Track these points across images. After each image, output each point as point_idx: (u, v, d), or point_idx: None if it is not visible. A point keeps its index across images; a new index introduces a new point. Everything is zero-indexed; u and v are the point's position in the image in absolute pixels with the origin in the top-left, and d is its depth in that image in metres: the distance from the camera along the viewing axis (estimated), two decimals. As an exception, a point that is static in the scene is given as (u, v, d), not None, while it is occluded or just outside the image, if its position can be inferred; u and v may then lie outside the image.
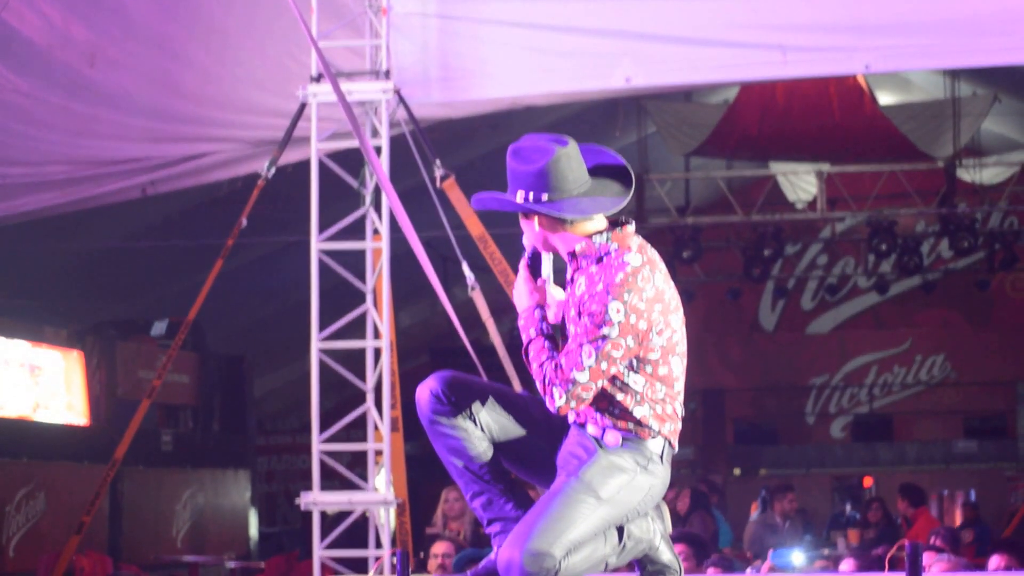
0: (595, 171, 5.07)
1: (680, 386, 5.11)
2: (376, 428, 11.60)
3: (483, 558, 5.32)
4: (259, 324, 20.86)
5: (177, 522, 17.35)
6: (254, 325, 20.83)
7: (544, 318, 5.09)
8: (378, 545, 11.65)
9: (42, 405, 15.88)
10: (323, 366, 11.43)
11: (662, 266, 5.05)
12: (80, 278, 17.57)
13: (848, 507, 19.71)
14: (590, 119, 18.86)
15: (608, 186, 5.06)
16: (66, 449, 15.74)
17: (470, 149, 17.31)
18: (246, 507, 18.78)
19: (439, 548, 10.48)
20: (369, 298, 11.59)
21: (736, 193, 21.53)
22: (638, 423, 5.04)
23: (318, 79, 11.26)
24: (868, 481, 23.19)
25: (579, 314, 4.96)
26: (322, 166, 11.45)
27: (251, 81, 12.16)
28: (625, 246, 5.00)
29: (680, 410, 5.12)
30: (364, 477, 11.92)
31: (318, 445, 11.42)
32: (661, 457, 5.08)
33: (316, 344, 11.36)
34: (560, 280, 5.17)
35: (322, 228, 11.42)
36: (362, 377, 11.60)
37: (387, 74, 11.39)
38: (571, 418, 5.12)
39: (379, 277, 11.54)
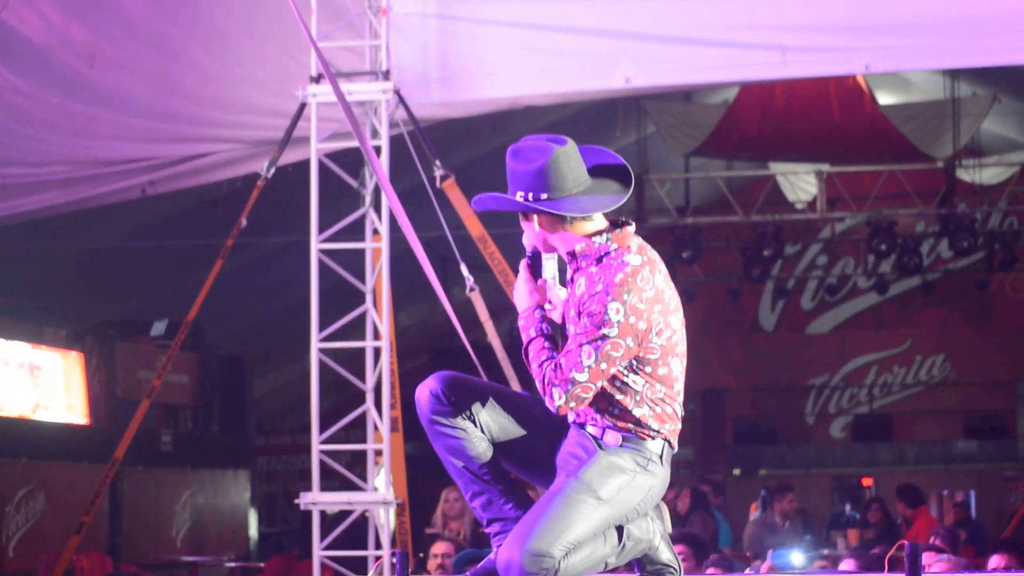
0: (594, 171, 5.07)
1: (680, 386, 5.11)
2: (376, 428, 11.60)
3: (483, 558, 5.32)
4: (259, 324, 20.86)
5: (177, 522, 17.35)
6: (254, 325, 20.83)
7: (544, 318, 5.09)
8: (378, 545, 11.65)
9: (42, 405, 15.88)
10: (323, 366, 11.43)
11: (662, 267, 5.05)
12: (80, 278, 17.57)
13: (848, 507, 19.73)
14: (590, 119, 18.86)
15: (607, 185, 5.06)
16: (66, 449, 15.74)
17: (470, 149, 17.32)
18: (246, 507, 18.78)
19: (439, 548, 10.48)
20: (369, 298, 11.59)
21: (736, 193, 21.54)
22: (638, 423, 5.04)
23: (318, 79, 11.26)
24: (868, 481, 23.19)
25: (579, 314, 4.96)
26: (322, 166, 11.45)
27: (251, 81, 12.16)
28: (625, 246, 5.00)
29: (680, 410, 5.12)
30: (364, 477, 11.92)
31: (318, 445, 11.42)
32: (661, 457, 5.08)
33: (316, 344, 11.36)
34: (564, 281, 5.16)
35: (322, 228, 11.42)
36: (362, 377, 11.60)
37: (387, 74, 11.39)
38: (571, 418, 5.13)
39: (379, 277, 11.55)
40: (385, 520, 11.62)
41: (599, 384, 4.95)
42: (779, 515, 15.87)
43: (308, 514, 11.59)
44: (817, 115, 18.56)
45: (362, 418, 11.62)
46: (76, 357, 16.39)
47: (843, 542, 15.32)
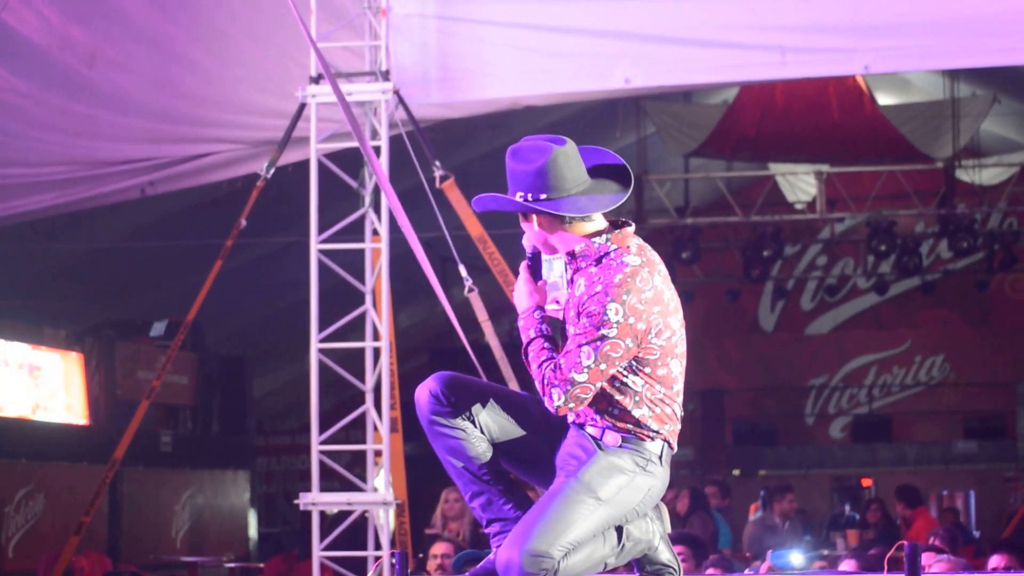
0: (594, 171, 5.07)
1: (679, 387, 5.11)
2: (375, 429, 11.60)
3: (482, 559, 5.33)
4: (258, 325, 20.87)
5: (176, 522, 17.36)
6: (253, 326, 20.83)
7: (544, 319, 5.09)
8: (377, 546, 11.65)
9: (41, 406, 15.89)
10: (322, 367, 11.43)
11: (662, 267, 5.05)
12: (79, 279, 17.57)
13: (847, 508, 19.72)
14: (589, 120, 18.86)
15: (607, 185, 5.06)
16: (65, 450, 15.75)
17: (469, 150, 17.32)
18: (245, 508, 18.79)
19: (438, 549, 10.48)
20: (368, 299, 11.59)
21: (735, 194, 21.55)
22: (637, 424, 5.04)
23: (317, 80, 11.25)
24: (867, 482, 23.19)
25: (578, 315, 4.96)
26: (321, 166, 11.44)
27: (251, 82, 12.16)
28: (624, 247, 5.00)
29: (679, 411, 5.12)
30: (363, 478, 11.92)
31: (317, 446, 11.41)
32: (660, 458, 5.08)
33: (315, 345, 11.35)
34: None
35: (321, 229, 11.42)
36: (361, 378, 11.60)
37: (386, 75, 11.39)
38: (570, 419, 5.13)
39: (378, 278, 11.55)
40: (385, 521, 11.62)
41: (598, 385, 4.95)
42: (779, 516, 15.87)
43: (308, 514, 11.59)
44: (817, 116, 18.57)
45: (362, 418, 11.62)
46: (76, 358, 16.40)
47: (843, 543, 15.32)
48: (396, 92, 11.35)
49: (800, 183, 21.84)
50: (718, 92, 20.06)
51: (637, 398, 5.02)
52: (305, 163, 11.62)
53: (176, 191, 13.22)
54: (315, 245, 11.38)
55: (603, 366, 4.92)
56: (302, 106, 11.37)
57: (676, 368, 5.06)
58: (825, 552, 13.10)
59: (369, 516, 11.74)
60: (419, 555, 11.76)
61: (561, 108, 16.25)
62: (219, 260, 11.87)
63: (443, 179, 11.36)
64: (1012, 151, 22.24)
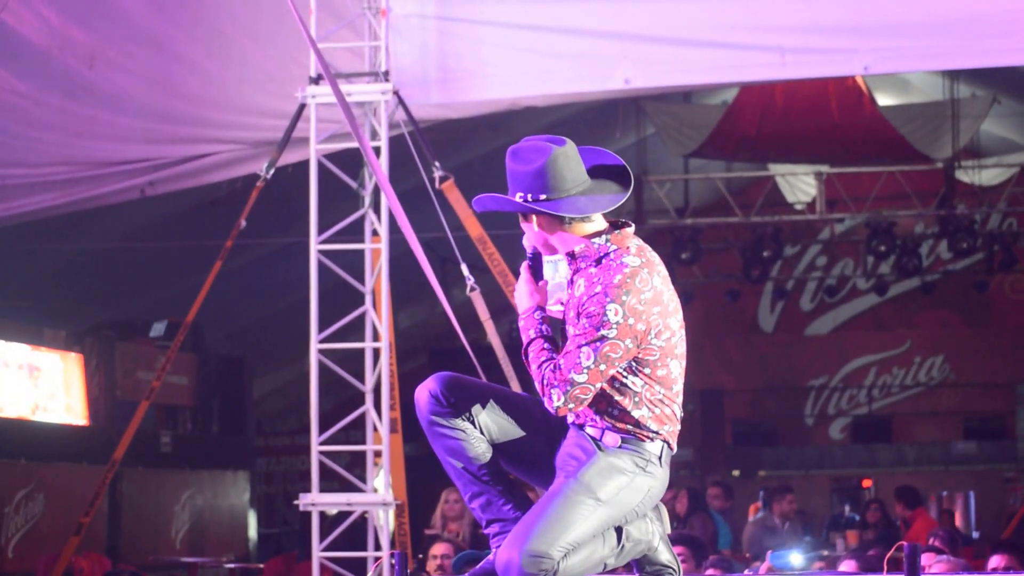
0: (594, 171, 5.07)
1: (679, 388, 5.11)
2: (375, 429, 11.60)
3: (482, 559, 5.33)
4: (258, 325, 20.86)
5: (176, 523, 17.36)
6: (253, 326, 20.83)
7: (544, 320, 5.09)
8: (377, 546, 11.65)
9: (41, 406, 15.89)
10: (322, 367, 11.43)
11: (661, 268, 5.05)
12: (79, 279, 17.57)
13: (847, 508, 19.73)
14: (589, 120, 18.86)
15: (606, 186, 5.06)
16: (65, 450, 15.75)
17: (469, 150, 17.32)
18: (245, 508, 18.78)
19: (438, 549, 10.48)
20: (368, 299, 11.59)
21: (735, 194, 21.56)
22: (637, 424, 5.04)
23: (317, 80, 11.25)
24: (867, 483, 23.19)
25: (578, 316, 4.96)
26: (321, 167, 11.44)
27: (250, 82, 12.16)
28: (624, 248, 5.00)
29: (679, 412, 5.12)
30: (363, 478, 11.93)
31: (317, 446, 11.41)
32: (660, 458, 5.09)
33: (315, 345, 11.35)
34: None
35: (321, 229, 11.42)
36: (361, 378, 11.60)
37: (386, 75, 11.39)
38: (570, 419, 5.13)
39: (378, 278, 11.54)
40: (384, 521, 11.62)
41: (598, 385, 4.96)
42: (778, 516, 15.87)
43: (307, 515, 11.59)
44: (816, 116, 18.57)
45: (361, 419, 11.62)
46: (75, 358, 16.40)
47: (842, 543, 15.32)
48: (396, 93, 11.35)
49: (800, 184, 21.85)
50: (718, 93, 20.06)
51: (637, 399, 5.02)
52: (305, 163, 11.62)
53: (176, 191, 13.22)
54: (315, 245, 11.38)
55: (603, 367, 4.92)
56: (302, 106, 11.37)
57: (676, 369, 5.06)
58: (825, 553, 13.10)
59: (369, 517, 11.74)
60: (419, 556, 11.76)
61: (561, 109, 16.24)
62: (219, 260, 11.87)
63: (443, 180, 11.36)
64: (1012, 152, 22.24)
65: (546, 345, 5.03)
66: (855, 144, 19.45)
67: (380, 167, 10.33)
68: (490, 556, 5.16)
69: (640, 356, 4.97)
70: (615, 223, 5.08)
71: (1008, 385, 24.29)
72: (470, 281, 10.38)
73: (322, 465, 11.47)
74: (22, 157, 12.53)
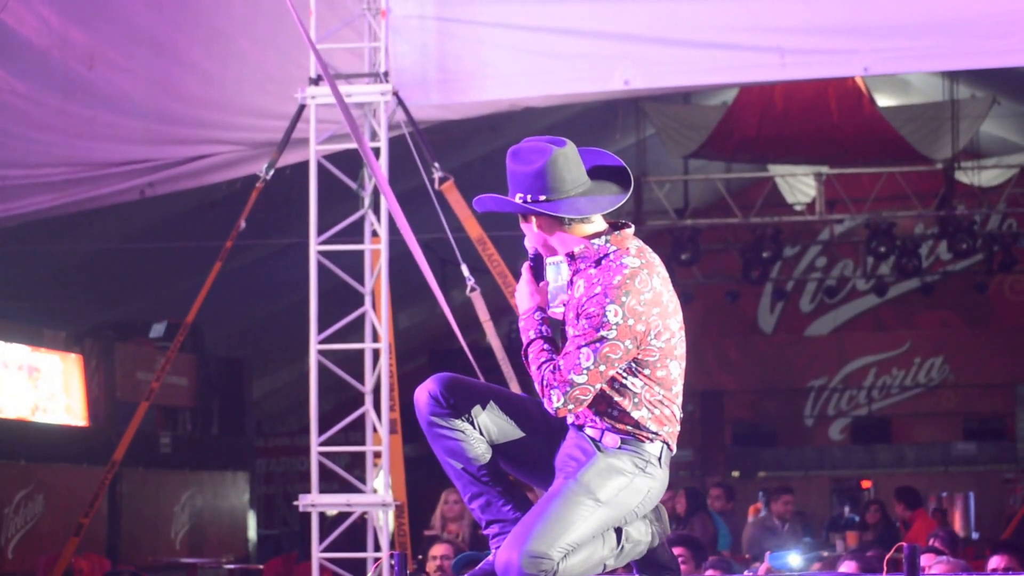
0: (594, 172, 5.07)
1: (679, 389, 5.11)
2: (375, 430, 11.59)
3: (482, 560, 5.33)
4: (258, 326, 20.86)
5: (176, 524, 17.36)
6: (253, 327, 20.82)
7: (544, 320, 5.09)
8: (376, 547, 11.65)
9: (41, 407, 15.89)
10: (322, 368, 11.43)
11: (661, 269, 5.05)
12: (79, 280, 17.56)
13: (847, 509, 19.70)
14: (589, 121, 18.86)
15: (606, 187, 5.07)
16: (65, 451, 15.75)
17: (469, 151, 17.31)
18: (245, 509, 18.78)
19: (437, 550, 10.48)
20: (368, 300, 11.59)
21: (735, 195, 21.56)
22: (636, 425, 5.04)
23: (317, 81, 11.25)
24: (866, 483, 23.18)
25: (577, 316, 4.96)
26: (321, 168, 11.44)
27: (250, 83, 12.16)
28: (624, 248, 5.00)
29: (679, 413, 5.12)
30: (363, 479, 11.92)
31: (317, 447, 11.41)
32: (659, 459, 5.09)
33: (315, 346, 11.35)
34: None
35: (321, 230, 11.42)
36: (361, 379, 11.60)
37: (386, 76, 11.39)
38: (570, 420, 5.13)
39: (378, 279, 11.54)
40: (384, 522, 11.62)
41: (598, 386, 4.96)
42: (776, 517, 15.86)
43: (307, 516, 11.59)
44: (816, 117, 18.57)
45: (361, 420, 11.62)
46: (75, 359, 16.40)
47: (842, 544, 15.31)
48: (395, 93, 11.35)
49: (799, 184, 21.85)
50: (717, 93, 20.06)
51: (636, 400, 5.02)
52: (304, 164, 11.62)
53: (175, 192, 13.21)
54: (314, 246, 11.38)
55: (602, 368, 4.92)
56: (301, 107, 11.37)
57: (675, 370, 5.06)
58: (824, 553, 13.10)
59: (368, 517, 11.74)
60: (418, 556, 11.76)
61: (560, 110, 16.24)
62: (218, 261, 11.87)
63: (442, 180, 11.36)
64: (1011, 152, 22.24)
65: (546, 346, 5.03)
66: (855, 145, 19.44)
67: (379, 168, 10.33)
68: (490, 557, 5.16)
69: (640, 357, 4.97)
70: (615, 224, 5.08)
71: (1008, 386, 24.29)
72: (470, 281, 10.38)
73: (322, 466, 11.47)
74: (22, 158, 12.53)
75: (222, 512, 18.35)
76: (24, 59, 11.82)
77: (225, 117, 12.36)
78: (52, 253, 16.38)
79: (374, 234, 11.62)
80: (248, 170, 12.40)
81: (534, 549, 4.92)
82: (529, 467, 5.22)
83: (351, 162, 11.69)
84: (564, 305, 5.08)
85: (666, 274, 5.07)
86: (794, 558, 9.96)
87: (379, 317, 11.50)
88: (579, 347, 4.91)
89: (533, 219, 5.06)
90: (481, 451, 5.14)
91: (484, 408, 5.13)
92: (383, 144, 11.34)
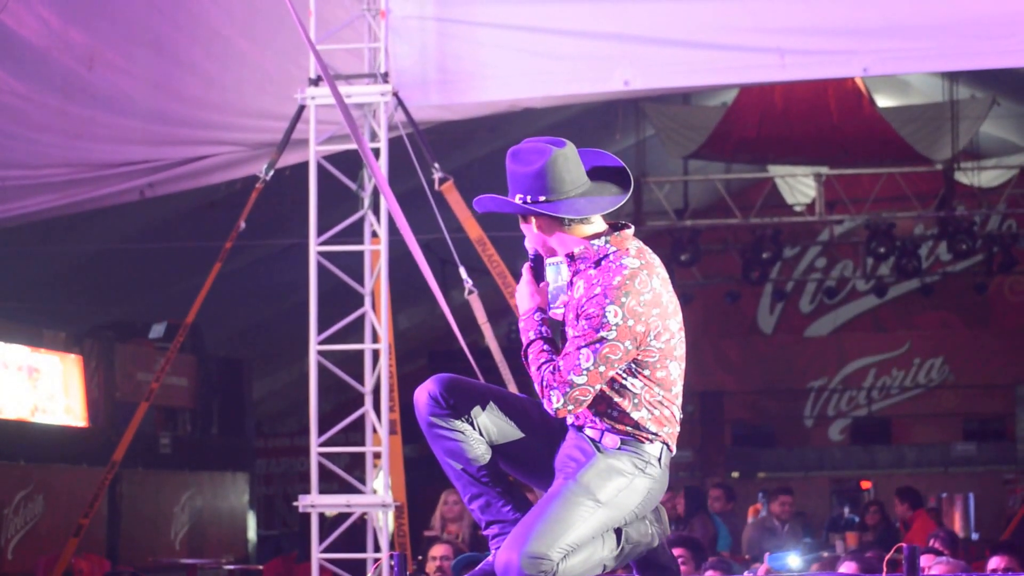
0: (593, 173, 5.07)
1: (678, 389, 5.11)
2: (374, 431, 11.59)
3: (481, 561, 5.33)
4: (258, 327, 20.86)
5: (175, 525, 17.36)
6: (253, 328, 20.83)
7: (544, 321, 5.08)
8: (376, 548, 11.65)
9: (40, 408, 15.89)
10: (321, 369, 11.43)
11: (661, 270, 5.05)
12: (78, 281, 17.57)
13: (846, 510, 19.69)
14: (589, 122, 18.86)
15: (606, 187, 5.06)
16: (65, 452, 15.75)
17: (468, 152, 17.31)
18: (244, 510, 18.78)
19: (437, 551, 10.48)
20: (367, 300, 11.59)
21: (734, 196, 21.55)
22: (636, 426, 5.04)
23: (316, 82, 11.26)
24: (866, 484, 23.17)
25: (577, 317, 4.96)
26: (320, 169, 11.44)
27: (250, 84, 12.16)
28: (624, 249, 5.00)
29: (678, 413, 5.12)
30: (362, 480, 11.92)
31: (316, 448, 11.41)
32: (659, 460, 5.08)
33: (314, 347, 11.35)
34: None
35: (320, 231, 11.42)
36: (360, 380, 11.60)
37: (385, 77, 11.39)
38: (569, 421, 5.12)
39: (377, 279, 11.54)
40: (384, 523, 11.62)
41: (597, 387, 4.95)
42: (775, 517, 15.85)
43: (307, 516, 11.59)
44: (816, 118, 18.57)
45: (361, 420, 11.61)
46: (75, 360, 16.40)
47: (842, 545, 15.29)
48: (395, 94, 11.35)
49: (799, 185, 21.85)
50: (717, 94, 20.06)
51: (636, 400, 5.02)
52: (304, 165, 11.62)
53: (175, 193, 13.22)
54: (314, 247, 11.38)
55: (602, 368, 4.92)
56: (301, 108, 11.38)
57: (675, 370, 5.06)
58: (824, 554, 13.10)
59: (368, 518, 11.74)
60: (418, 557, 11.76)
61: (560, 110, 16.24)
62: (218, 262, 11.87)
63: (442, 181, 11.36)
64: (1011, 153, 22.24)
65: (546, 347, 5.03)
66: (854, 146, 19.45)
67: (379, 169, 10.33)
68: (489, 558, 5.16)
69: (639, 358, 4.97)
70: (615, 225, 5.08)
71: (1008, 386, 24.28)
72: (468, 284, 10.38)
73: (321, 467, 11.47)
74: (21, 158, 12.53)
75: (222, 513, 18.35)
76: (24, 60, 11.83)
77: (225, 118, 12.36)
78: (52, 254, 16.39)
79: (374, 235, 11.62)
80: (248, 171, 12.41)
81: (534, 550, 4.92)
82: (529, 468, 5.22)
83: (351, 163, 11.69)
84: (564, 306, 5.08)
85: (666, 275, 5.07)
86: (794, 559, 9.96)
87: (379, 318, 11.50)
88: (579, 348, 4.91)
89: (533, 220, 5.06)
90: (481, 452, 5.14)
91: (484, 409, 5.13)
92: (383, 145, 11.34)
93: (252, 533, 18.94)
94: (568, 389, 4.92)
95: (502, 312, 13.84)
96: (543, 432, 5.16)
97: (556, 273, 5.10)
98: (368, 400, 11.54)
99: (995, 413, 24.88)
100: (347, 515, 11.70)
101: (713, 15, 11.31)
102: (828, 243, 24.21)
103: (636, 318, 4.91)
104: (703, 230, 21.43)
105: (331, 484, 12.08)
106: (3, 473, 14.92)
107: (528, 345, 5.06)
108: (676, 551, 5.44)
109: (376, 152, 11.21)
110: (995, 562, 8.50)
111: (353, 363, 11.69)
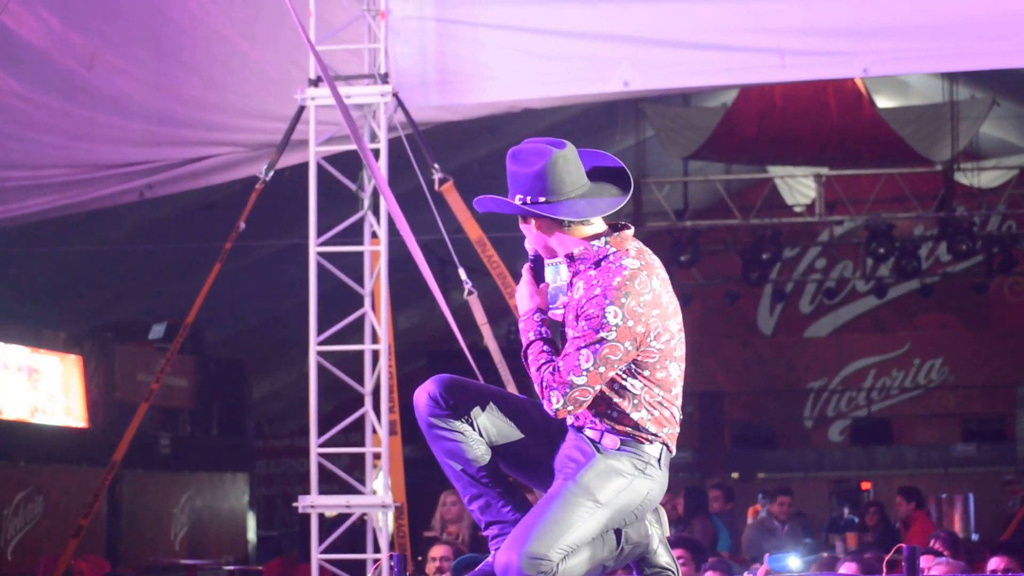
0: (593, 174, 5.07)
1: (678, 390, 5.11)
2: (374, 431, 11.59)
3: (481, 562, 5.32)
4: (257, 327, 20.86)
5: (175, 525, 17.36)
6: (252, 328, 20.83)
7: (544, 322, 5.08)
8: (376, 549, 11.65)
9: (40, 409, 15.89)
10: (321, 369, 11.43)
11: (661, 270, 5.05)
12: (78, 281, 17.56)
13: (846, 511, 19.69)
14: (588, 122, 18.86)
15: (606, 189, 5.07)
16: (64, 452, 15.75)
17: (468, 153, 17.31)
18: (244, 510, 18.78)
19: (437, 552, 10.47)
20: (367, 301, 11.59)
21: (734, 196, 21.55)
22: (636, 427, 5.04)
23: (316, 83, 11.26)
24: (866, 485, 23.17)
25: (577, 318, 4.96)
26: (320, 169, 11.44)
27: (250, 85, 12.16)
28: (623, 250, 5.00)
29: (678, 414, 5.12)
30: (362, 480, 11.92)
31: (316, 448, 11.41)
32: (659, 461, 5.08)
33: (314, 347, 11.35)
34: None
35: (320, 231, 11.42)
36: (360, 380, 11.60)
37: (385, 77, 11.39)
38: (569, 421, 5.12)
39: (377, 280, 11.54)
40: (383, 523, 11.61)
41: (597, 388, 4.95)
42: (774, 518, 15.85)
43: (307, 517, 11.58)
44: (816, 118, 18.57)
45: (361, 421, 11.61)
46: (75, 360, 16.40)
47: (841, 545, 15.30)
48: (395, 95, 11.35)
49: (799, 186, 21.85)
50: (717, 95, 20.06)
51: (636, 401, 5.02)
52: (304, 166, 11.62)
53: (175, 194, 13.22)
54: (314, 248, 11.38)
55: (602, 369, 4.91)
56: (301, 109, 11.38)
57: (675, 371, 5.06)
58: (824, 555, 13.10)
59: (368, 519, 11.74)
60: (418, 558, 11.76)
61: (560, 111, 16.23)
62: (218, 263, 11.87)
63: (442, 182, 11.36)
64: (1011, 154, 22.24)
65: (545, 347, 5.03)
66: (854, 146, 19.45)
67: (379, 170, 10.32)
68: (489, 558, 5.16)
69: (639, 359, 4.97)
70: (614, 225, 5.08)
71: (1007, 387, 24.27)
72: (468, 285, 10.38)
73: (321, 467, 11.47)
74: (21, 159, 12.53)
75: (222, 513, 18.34)
76: (24, 61, 11.82)
77: (225, 118, 12.36)
78: (52, 254, 16.39)
79: (373, 235, 11.62)
80: (248, 171, 12.41)
81: (533, 551, 4.92)
82: (529, 468, 5.22)
83: (351, 163, 11.69)
84: (564, 307, 5.08)
85: (666, 276, 5.07)
86: (793, 560, 9.96)
87: (379, 318, 11.50)
88: (578, 348, 4.91)
89: (532, 221, 5.06)
90: (480, 452, 5.14)
91: (484, 409, 5.13)
92: (383, 145, 11.34)
93: (252, 534, 18.94)
94: (568, 390, 4.92)
95: (502, 313, 13.84)
96: (543, 433, 5.16)
97: (556, 274, 5.10)
98: (368, 401, 11.54)
99: (995, 414, 24.87)
100: (347, 516, 11.70)
101: (713, 16, 11.31)
102: (828, 244, 24.22)
103: (636, 319, 4.91)
104: (703, 231, 21.43)
105: (331, 485, 12.08)
106: (3, 474, 14.93)
107: (528, 346, 5.06)
108: (676, 552, 5.44)
109: (376, 153, 11.20)
110: (995, 563, 8.50)
111: (353, 364, 11.69)
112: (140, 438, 13.33)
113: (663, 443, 5.08)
